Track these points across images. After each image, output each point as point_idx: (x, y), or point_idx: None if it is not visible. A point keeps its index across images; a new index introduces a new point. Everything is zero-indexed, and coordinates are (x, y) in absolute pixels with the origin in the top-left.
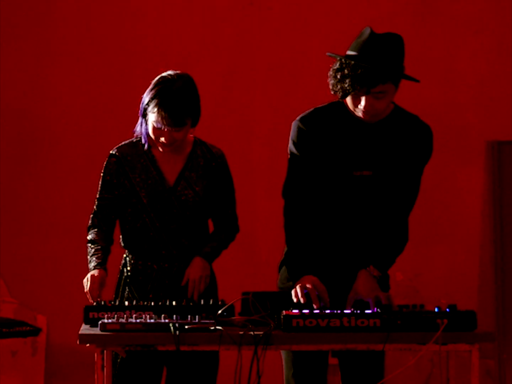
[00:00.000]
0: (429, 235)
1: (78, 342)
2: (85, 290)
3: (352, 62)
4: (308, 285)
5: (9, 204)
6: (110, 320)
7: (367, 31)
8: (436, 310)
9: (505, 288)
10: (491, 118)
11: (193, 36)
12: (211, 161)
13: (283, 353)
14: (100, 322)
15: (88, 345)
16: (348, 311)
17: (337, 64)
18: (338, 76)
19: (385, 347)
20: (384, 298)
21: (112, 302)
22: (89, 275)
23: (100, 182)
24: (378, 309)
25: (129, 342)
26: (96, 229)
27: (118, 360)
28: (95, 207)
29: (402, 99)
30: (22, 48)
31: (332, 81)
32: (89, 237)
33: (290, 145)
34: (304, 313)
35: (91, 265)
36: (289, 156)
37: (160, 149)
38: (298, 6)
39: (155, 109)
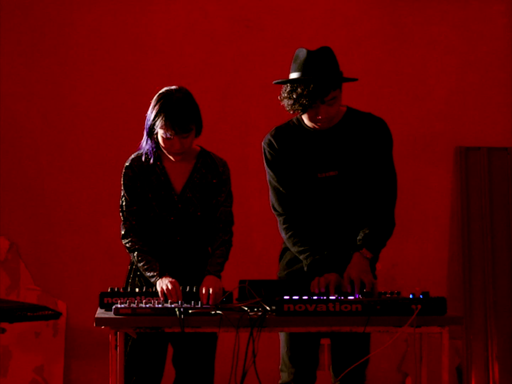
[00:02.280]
0: (404, 231)
1: (94, 325)
2: (170, 300)
3: (302, 82)
4: (331, 280)
5: (35, 203)
6: (122, 305)
7: (302, 52)
8: (411, 296)
9: (471, 277)
10: (459, 126)
11: (195, 54)
12: (215, 169)
13: (280, 334)
14: (113, 307)
15: (103, 327)
16: (333, 297)
17: (288, 87)
18: (294, 96)
19: (365, 329)
20: (368, 284)
21: (124, 289)
22: (165, 287)
23: (124, 192)
24: (360, 296)
25: (139, 325)
26: (134, 239)
27: (130, 341)
28: (123, 215)
29: (380, 111)
30: (42, 63)
31: (288, 103)
32: (128, 245)
33: (265, 164)
34: (294, 298)
35: (151, 274)
36: (267, 175)
37: (172, 158)
38: (288, 28)
39: (162, 123)
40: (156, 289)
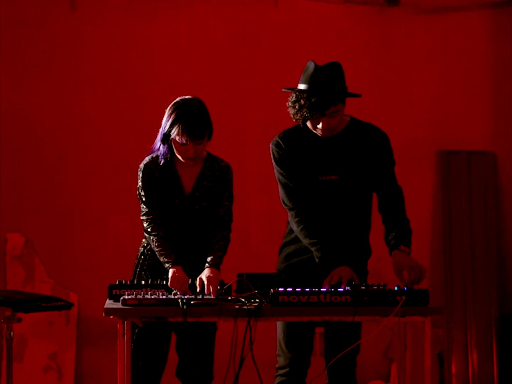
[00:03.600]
0: None
1: (103, 315)
2: (175, 291)
3: (305, 94)
4: (343, 276)
5: (48, 202)
6: (129, 297)
7: (311, 65)
8: (396, 288)
9: (452, 271)
10: (441, 131)
11: (197, 65)
12: (220, 171)
13: (278, 322)
14: (121, 298)
15: (111, 317)
16: (324, 289)
17: (294, 97)
18: (297, 107)
19: (354, 319)
20: (423, 271)
21: (131, 282)
22: (174, 275)
23: (142, 188)
24: (349, 287)
25: (145, 314)
26: (158, 229)
27: (136, 329)
28: (145, 208)
29: (367, 117)
30: (57, 73)
31: (292, 111)
32: (149, 228)
33: (273, 163)
34: (288, 290)
35: (166, 260)
36: (276, 173)
37: (184, 161)
38: (282, 41)
39: (178, 130)
40: (160, 281)
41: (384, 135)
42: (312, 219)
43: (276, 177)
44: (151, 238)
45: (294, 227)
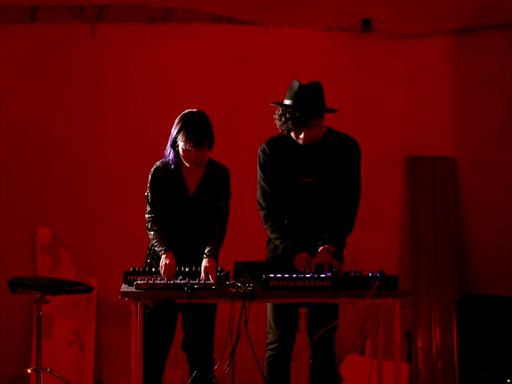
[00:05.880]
0: (365, 222)
1: (119, 297)
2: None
3: (290, 108)
4: (305, 259)
5: (72, 200)
6: (142, 282)
7: (296, 84)
8: (370, 275)
9: (418, 260)
10: (409, 140)
11: (199, 82)
12: (219, 174)
13: (268, 304)
14: (135, 283)
15: (126, 299)
16: (309, 275)
17: (280, 111)
18: (283, 119)
19: (334, 300)
20: (336, 265)
21: (143, 269)
22: (163, 263)
23: (149, 190)
24: (330, 274)
25: (155, 297)
26: (154, 222)
27: (147, 310)
28: (149, 207)
29: (345, 128)
30: (79, 93)
31: (278, 123)
32: (149, 225)
33: (258, 168)
34: (278, 276)
35: (159, 249)
36: (258, 175)
37: (188, 165)
38: (273, 62)
39: (183, 137)
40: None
41: (355, 144)
42: (278, 218)
43: (257, 179)
44: (150, 233)
45: (264, 224)
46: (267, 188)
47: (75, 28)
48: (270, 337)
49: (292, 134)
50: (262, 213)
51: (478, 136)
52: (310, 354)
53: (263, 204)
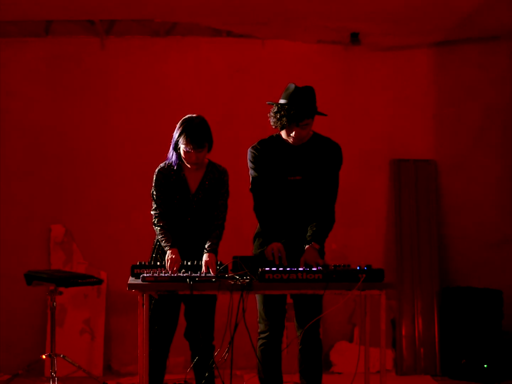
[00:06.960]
0: (353, 220)
1: (127, 289)
2: (168, 269)
3: (286, 106)
4: (275, 247)
5: (84, 200)
6: (148, 274)
7: (292, 86)
8: (358, 268)
9: (402, 255)
10: (393, 144)
11: (200, 90)
12: (218, 175)
13: (257, 296)
14: (141, 275)
15: (133, 290)
16: (301, 269)
17: (275, 109)
18: (277, 116)
19: (325, 292)
20: (321, 263)
21: (149, 263)
22: (169, 257)
23: (154, 188)
24: (320, 268)
25: (160, 288)
26: (162, 221)
27: (153, 300)
28: (154, 204)
29: (334, 133)
30: (89, 101)
31: (273, 120)
32: (155, 221)
33: (248, 163)
34: (273, 269)
35: (165, 244)
36: (249, 170)
37: (189, 166)
38: (267, 72)
39: (184, 140)
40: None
41: (338, 147)
42: (269, 208)
43: (249, 174)
44: (156, 228)
45: (255, 211)
46: (259, 176)
47: (86, 41)
48: (261, 327)
49: (283, 132)
50: (255, 200)
51: (457, 140)
52: (299, 341)
53: (255, 193)
